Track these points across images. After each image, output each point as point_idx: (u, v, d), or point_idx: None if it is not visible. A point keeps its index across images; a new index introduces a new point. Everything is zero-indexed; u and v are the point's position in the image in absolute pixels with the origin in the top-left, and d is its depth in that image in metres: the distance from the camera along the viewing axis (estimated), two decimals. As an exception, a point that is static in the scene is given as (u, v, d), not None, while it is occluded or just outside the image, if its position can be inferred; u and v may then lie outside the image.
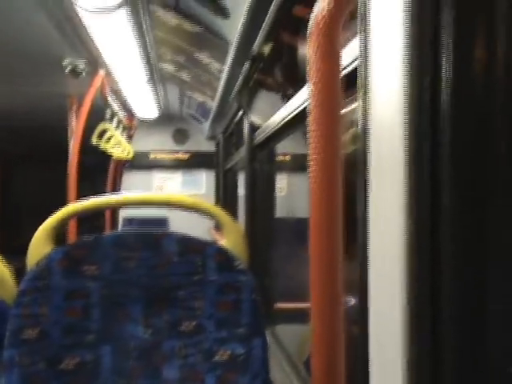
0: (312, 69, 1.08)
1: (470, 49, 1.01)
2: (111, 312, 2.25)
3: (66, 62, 5.55)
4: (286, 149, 7.94)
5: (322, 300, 1.07)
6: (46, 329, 2.20)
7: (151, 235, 2.30)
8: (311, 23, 1.09)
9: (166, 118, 10.45)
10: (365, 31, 1.31)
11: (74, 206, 2.45)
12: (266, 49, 3.33)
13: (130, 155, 8.51)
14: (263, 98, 4.44)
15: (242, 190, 5.52)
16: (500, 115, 1.00)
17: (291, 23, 2.90)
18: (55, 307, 2.21)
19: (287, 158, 8.81)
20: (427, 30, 1.04)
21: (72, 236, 5.97)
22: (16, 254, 3.24)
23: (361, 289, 1.32)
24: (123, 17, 4.29)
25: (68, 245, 2.29)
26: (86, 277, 2.24)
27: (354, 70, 1.76)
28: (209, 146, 10.93)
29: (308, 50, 1.09)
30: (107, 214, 10.09)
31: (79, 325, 2.23)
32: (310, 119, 1.06)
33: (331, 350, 1.08)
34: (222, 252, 2.28)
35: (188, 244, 2.28)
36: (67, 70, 5.62)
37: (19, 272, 2.29)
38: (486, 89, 1.01)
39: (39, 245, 2.30)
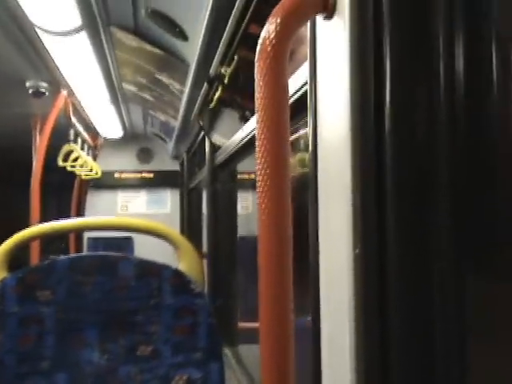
0: (259, 94, 1.08)
1: (412, 76, 1.03)
2: (66, 338, 2.22)
3: (28, 83, 5.54)
4: (251, 167, 7.95)
5: (271, 321, 1.07)
6: (0, 357, 2.17)
7: (107, 258, 2.28)
8: (259, 47, 1.09)
9: (131, 138, 10.41)
10: (313, 56, 1.33)
11: (31, 231, 2.43)
12: (225, 70, 3.34)
13: (98, 174, 8.46)
14: (226, 118, 4.45)
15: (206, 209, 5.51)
16: (441, 138, 1.02)
17: (250, 43, 2.91)
18: (9, 335, 2.18)
19: (252, 176, 8.81)
20: (370, 55, 1.06)
21: (35, 257, 5.92)
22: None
23: (313, 309, 1.34)
24: (84, 39, 4.29)
25: (22, 270, 2.26)
26: (40, 302, 2.21)
27: (300, 98, 1.80)
28: (173, 165, 10.90)
29: (255, 76, 1.10)
30: (72, 235, 10.02)
31: (34, 352, 2.19)
32: (258, 145, 1.07)
33: (281, 372, 1.08)
34: (178, 275, 2.27)
35: (144, 267, 2.27)
36: (30, 91, 5.61)
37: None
38: (428, 114, 1.03)
39: None
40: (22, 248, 2.41)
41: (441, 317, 1.03)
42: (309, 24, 1.34)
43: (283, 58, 1.08)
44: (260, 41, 1.10)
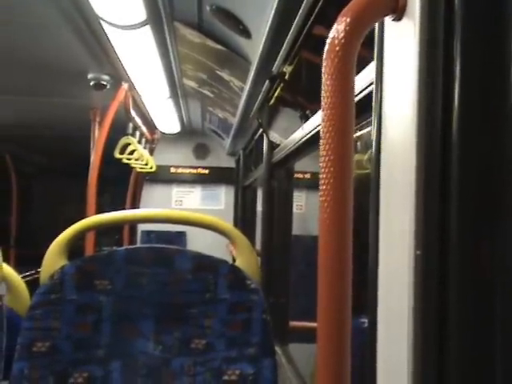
0: (326, 93, 1.09)
1: (481, 79, 1.03)
2: (122, 327, 2.24)
3: (90, 75, 5.61)
4: (306, 167, 7.97)
5: (329, 320, 1.08)
6: (57, 343, 2.20)
7: (164, 251, 2.30)
8: (327, 47, 1.10)
9: (188, 133, 10.48)
10: (380, 57, 1.33)
11: (88, 221, 2.45)
12: (287, 68, 3.35)
13: (153, 169, 8.51)
14: (285, 116, 4.46)
15: (260, 207, 5.53)
16: (510, 142, 1.02)
17: (312, 43, 2.92)
18: (67, 321, 2.21)
19: (306, 175, 8.82)
20: (439, 58, 1.06)
21: (89, 248, 5.98)
22: (34, 265, 3.25)
23: (370, 310, 1.34)
24: (147, 33, 4.33)
25: (81, 259, 2.29)
26: (97, 291, 2.24)
27: (363, 98, 1.80)
28: (229, 162, 10.97)
29: (323, 74, 1.10)
30: (126, 227, 10.10)
31: (90, 339, 2.22)
32: (322, 143, 1.07)
33: (338, 372, 1.08)
34: (234, 271, 2.27)
35: (201, 262, 2.28)
36: (91, 84, 5.69)
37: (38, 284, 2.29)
38: (496, 117, 1.02)
39: (53, 258, 2.29)
40: (79, 239, 2.44)
41: (502, 321, 1.03)
42: (377, 25, 1.34)
43: (351, 58, 1.08)
44: (328, 40, 1.10)
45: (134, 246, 2.41)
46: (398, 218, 1.16)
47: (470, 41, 1.03)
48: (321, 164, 1.08)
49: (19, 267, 2.63)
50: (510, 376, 1.03)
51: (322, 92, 1.10)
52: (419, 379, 1.08)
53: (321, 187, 1.07)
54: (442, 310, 1.05)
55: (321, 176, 1.08)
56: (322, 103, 1.10)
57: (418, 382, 1.08)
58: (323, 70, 1.10)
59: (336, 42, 1.08)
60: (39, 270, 2.29)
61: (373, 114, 1.36)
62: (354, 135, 1.08)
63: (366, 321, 1.45)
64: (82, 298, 2.22)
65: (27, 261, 5.63)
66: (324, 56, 1.10)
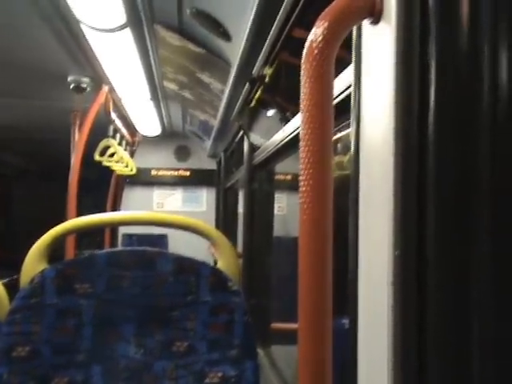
0: (305, 96, 1.10)
1: (456, 81, 1.04)
2: (103, 331, 2.23)
3: (70, 78, 5.60)
4: (287, 168, 7.97)
5: (310, 321, 1.09)
6: (37, 347, 2.18)
7: (145, 254, 2.29)
8: (305, 50, 1.11)
9: (169, 135, 10.45)
10: (358, 60, 1.34)
11: (68, 224, 2.43)
12: (267, 71, 3.35)
13: (134, 171, 8.47)
14: (265, 118, 4.46)
15: (242, 209, 5.53)
16: (485, 143, 1.03)
17: (292, 45, 2.93)
18: (47, 326, 2.19)
19: (288, 177, 8.82)
20: (415, 61, 1.07)
21: (70, 251, 5.95)
22: (15, 269, 3.24)
23: (351, 310, 1.35)
24: (127, 36, 4.33)
25: (61, 263, 2.28)
26: (78, 295, 2.23)
27: (342, 101, 1.81)
28: (210, 164, 10.95)
29: (302, 77, 1.11)
30: (107, 230, 10.06)
31: (70, 344, 2.21)
32: (301, 146, 1.09)
33: (318, 373, 1.09)
34: (215, 273, 2.27)
35: (182, 264, 2.27)
36: (71, 86, 5.68)
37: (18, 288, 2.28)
38: (471, 119, 1.04)
39: (33, 262, 2.28)
40: (60, 242, 2.43)
41: (479, 321, 1.04)
42: (355, 28, 1.35)
43: (329, 61, 1.09)
44: (307, 44, 1.11)
45: (115, 249, 2.41)
46: (377, 218, 1.18)
47: (445, 43, 1.05)
48: (300, 166, 1.09)
49: (1, 271, 2.62)
50: (486, 365, 1.05)
51: (301, 95, 1.11)
52: (399, 378, 1.09)
53: (300, 189, 1.08)
54: (420, 309, 1.07)
55: (300, 178, 1.09)
56: (301, 106, 1.11)
57: (399, 374, 1.09)
58: (302, 73, 1.11)
59: (314, 45, 1.09)
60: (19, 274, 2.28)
61: (351, 116, 1.37)
62: (334, 137, 1.09)
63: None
64: (62, 302, 2.21)
65: (9, 265, 5.61)
66: (302, 59, 1.11)
